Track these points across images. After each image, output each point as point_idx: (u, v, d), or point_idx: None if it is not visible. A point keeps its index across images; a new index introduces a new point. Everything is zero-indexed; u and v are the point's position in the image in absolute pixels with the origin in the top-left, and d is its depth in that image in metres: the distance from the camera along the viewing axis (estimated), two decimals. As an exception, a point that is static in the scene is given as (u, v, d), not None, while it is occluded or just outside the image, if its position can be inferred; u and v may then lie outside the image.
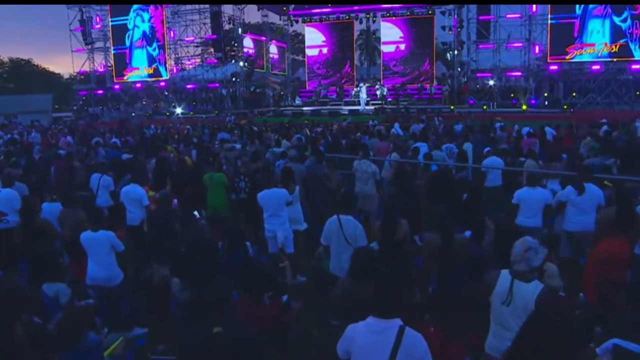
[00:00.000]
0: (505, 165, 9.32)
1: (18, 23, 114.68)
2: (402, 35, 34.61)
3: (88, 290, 4.86)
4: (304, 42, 38.33)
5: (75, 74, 40.95)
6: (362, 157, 8.61)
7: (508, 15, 26.98)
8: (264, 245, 6.75)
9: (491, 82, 27.50)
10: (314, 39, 36.98)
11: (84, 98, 38.64)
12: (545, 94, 26.47)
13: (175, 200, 6.58)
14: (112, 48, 36.64)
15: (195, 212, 6.87)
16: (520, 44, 27.13)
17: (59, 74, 69.24)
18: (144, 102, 37.57)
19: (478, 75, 28.92)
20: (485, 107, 25.57)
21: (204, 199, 8.02)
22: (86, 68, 38.28)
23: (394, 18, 34.38)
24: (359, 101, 29.74)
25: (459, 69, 29.50)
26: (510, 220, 5.76)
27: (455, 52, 29.63)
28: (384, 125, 18.56)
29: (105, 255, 5.13)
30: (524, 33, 27.15)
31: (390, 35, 34.93)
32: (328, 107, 30.90)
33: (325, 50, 36.80)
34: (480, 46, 28.06)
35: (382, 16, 34.78)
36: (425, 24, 33.76)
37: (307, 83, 37.43)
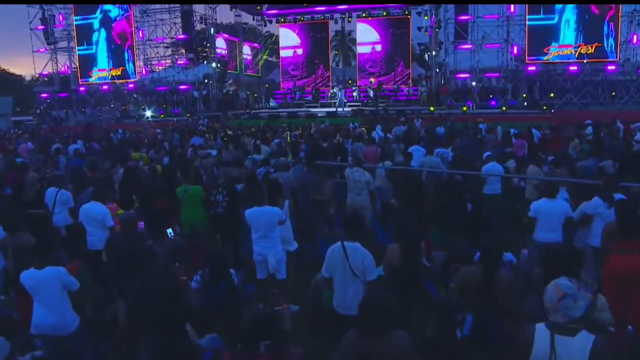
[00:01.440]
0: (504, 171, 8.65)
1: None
2: (378, 36, 34.11)
3: (35, 340, 3.92)
4: (278, 43, 37.46)
5: (37, 75, 39.15)
6: (353, 164, 7.82)
7: (486, 16, 26.70)
8: (246, 268, 5.90)
9: (474, 84, 27.15)
10: (289, 40, 36.16)
11: (48, 101, 36.83)
12: (524, 95, 26.26)
13: (142, 224, 5.50)
14: (77, 48, 35.03)
15: (170, 230, 5.93)
16: (498, 45, 26.88)
17: (20, 75, 66.40)
18: (112, 105, 36.07)
19: (457, 76, 28.58)
20: (465, 108, 25.21)
21: (178, 213, 7.11)
22: (49, 69, 36.52)
23: (369, 19, 33.88)
24: (336, 103, 29.05)
25: (437, 70, 29.08)
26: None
27: (434, 53, 29.20)
28: (364, 128, 17.92)
29: (56, 297, 4.06)
30: (501, 34, 26.91)
31: (366, 36, 34.41)
32: (305, 109, 30.12)
33: (300, 51, 36.02)
34: (459, 47, 27.69)
35: (358, 17, 34.23)
36: (401, 25, 33.35)
37: (281, 85, 36.55)
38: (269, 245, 5.54)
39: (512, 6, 26.07)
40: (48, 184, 7.51)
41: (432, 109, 25.65)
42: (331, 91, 31.82)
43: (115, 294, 4.39)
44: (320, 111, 28.10)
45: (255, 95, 36.46)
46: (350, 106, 29.57)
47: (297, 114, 27.36)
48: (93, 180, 7.91)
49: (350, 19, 34.79)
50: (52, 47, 35.57)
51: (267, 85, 38.66)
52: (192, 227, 6.22)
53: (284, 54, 36.62)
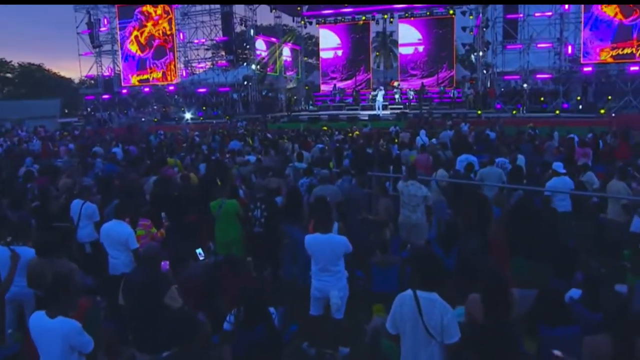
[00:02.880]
0: (575, 186, 7.52)
1: (29, 28, 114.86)
2: (420, 36, 33.08)
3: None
4: (317, 45, 36.90)
5: (83, 78, 39.97)
6: (408, 176, 6.92)
7: (537, 14, 25.24)
8: (287, 297, 5.18)
9: (525, 85, 25.75)
10: (329, 41, 35.54)
11: (94, 103, 37.54)
12: (578, 98, 24.67)
13: (167, 263, 4.69)
14: (120, 51, 35.49)
15: (199, 251, 5.35)
16: (550, 44, 25.39)
17: (69, 78, 68.40)
18: (154, 107, 36.39)
19: (505, 77, 27.22)
20: (514, 111, 23.86)
21: (211, 229, 6.45)
22: (94, 72, 37.24)
23: (412, 19, 32.89)
24: (375, 106, 28.23)
25: (484, 72, 27.78)
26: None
27: (480, 53, 27.93)
28: (408, 132, 16.97)
29: (60, 358, 3.27)
30: (553, 33, 25.42)
31: (408, 36, 33.42)
32: (344, 111, 29.41)
33: (340, 52, 35.36)
34: (508, 47, 26.34)
35: (400, 17, 33.27)
36: (444, 25, 32.22)
37: (321, 87, 35.95)
38: (331, 280, 4.70)
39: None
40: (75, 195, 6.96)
41: (479, 112, 24.44)
42: (372, 93, 31.05)
43: (130, 343, 3.77)
44: (362, 114, 27.30)
45: (295, 97, 36.00)
46: (391, 109, 28.72)
47: (337, 116, 26.63)
48: (120, 192, 7.35)
49: (392, 19, 33.87)
50: (97, 50, 36.16)
51: (306, 87, 38.18)
52: (228, 256, 5.43)
53: (323, 55, 36.03)
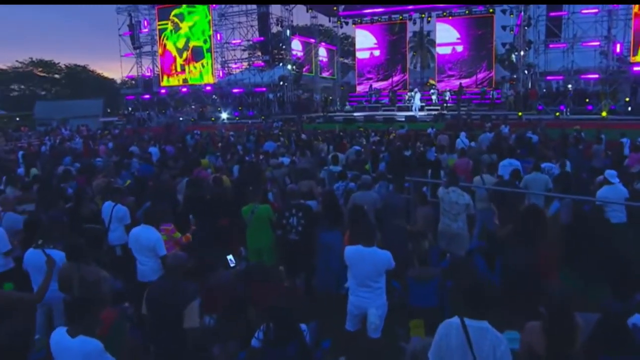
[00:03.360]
0: (631, 195, 6.94)
1: (76, 31, 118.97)
2: (458, 36, 32.35)
3: None
4: (353, 45, 36.63)
5: (124, 78, 40.96)
6: (449, 182, 6.53)
7: (583, 11, 24.21)
8: (319, 309, 4.93)
9: (569, 86, 24.76)
10: (365, 41, 35.21)
11: (134, 103, 38.42)
12: (627, 99, 23.52)
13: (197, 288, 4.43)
14: (159, 52, 36.18)
15: (230, 257, 5.17)
16: (596, 43, 24.30)
17: (112, 79, 70.33)
18: (192, 107, 36.95)
19: (547, 78, 26.26)
20: (558, 113, 22.96)
21: (243, 234, 6.25)
22: (134, 72, 38.11)
23: (450, 18, 32.20)
24: (412, 107, 27.76)
25: (525, 72, 26.88)
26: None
27: (521, 52, 27.05)
28: (446, 135, 16.49)
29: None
30: (600, 30, 24.33)
31: (446, 36, 32.75)
32: (380, 112, 29.04)
33: (376, 52, 34.97)
34: (551, 46, 25.39)
35: (438, 16, 32.64)
36: (484, 24, 31.39)
37: (357, 87, 35.65)
38: (370, 297, 4.36)
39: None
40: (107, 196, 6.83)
41: (519, 113, 23.63)
42: (408, 94, 30.57)
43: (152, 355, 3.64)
44: (398, 115, 26.88)
45: (330, 97, 35.84)
46: (428, 110, 28.19)
47: (373, 117, 26.27)
48: (152, 194, 7.21)
49: (429, 19, 33.27)
50: (137, 51, 36.95)
51: (342, 88, 37.96)
52: (257, 263, 5.19)
53: (359, 55, 35.72)
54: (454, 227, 6.27)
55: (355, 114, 29.61)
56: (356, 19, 34.74)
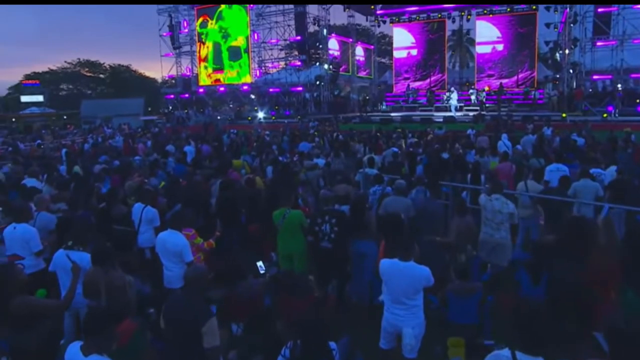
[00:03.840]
0: None
1: (120, 32, 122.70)
2: (499, 34, 31.44)
3: None
4: (391, 44, 36.19)
5: (164, 78, 41.84)
6: (491, 189, 6.14)
7: (636, 7, 23.03)
8: (352, 322, 4.69)
9: (619, 86, 23.68)
10: (402, 40, 34.69)
11: (174, 101, 39.19)
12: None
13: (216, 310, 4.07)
14: (198, 52, 36.74)
15: (260, 264, 4.99)
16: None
17: (153, 78, 72.05)
18: (230, 105, 37.39)
19: (594, 77, 25.19)
20: (605, 115, 21.98)
21: (274, 238, 6.05)
22: (174, 72, 38.84)
23: (490, 16, 31.32)
24: (449, 107, 27.18)
25: (570, 71, 25.86)
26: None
27: (566, 51, 26.04)
28: (486, 136, 15.97)
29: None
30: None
31: (486, 34, 31.87)
32: (418, 112, 28.56)
33: (414, 52, 34.41)
34: (598, 43, 24.32)
35: (478, 14, 31.81)
36: (526, 22, 30.39)
37: (394, 87, 35.20)
38: (406, 315, 4.09)
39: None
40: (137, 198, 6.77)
41: (563, 114, 22.75)
42: (446, 94, 29.97)
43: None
44: (436, 115, 26.36)
45: (367, 97, 35.55)
46: (466, 110, 27.54)
47: (411, 117, 25.84)
48: (183, 196, 7.04)
49: (469, 17, 32.49)
50: (177, 51, 37.64)
51: (379, 87, 37.59)
52: (289, 272, 4.97)
53: (397, 54, 35.24)
54: (497, 236, 5.91)
55: (392, 114, 29.25)
56: (394, 18, 34.29)
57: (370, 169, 8.87)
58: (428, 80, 33.33)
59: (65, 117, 48.39)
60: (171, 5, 36.18)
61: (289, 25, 32.64)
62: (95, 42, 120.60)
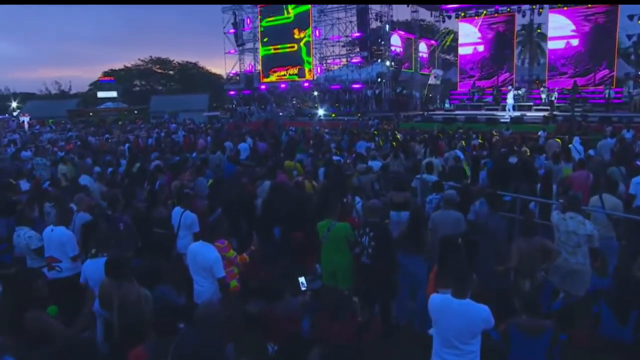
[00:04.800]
0: None
1: (191, 29, 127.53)
2: (574, 28, 29.37)
3: None
4: (456, 40, 34.88)
5: (228, 74, 42.66)
6: (567, 206, 5.27)
7: None
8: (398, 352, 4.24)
9: None
10: (468, 35, 33.27)
11: (237, 97, 39.90)
12: None
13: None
14: (260, 49, 37.11)
15: (303, 280, 4.51)
16: None
17: (219, 75, 73.84)
18: (293, 102, 37.54)
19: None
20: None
21: (319, 249, 5.58)
22: (237, 69, 39.54)
23: (565, 8, 29.26)
24: (506, 107, 25.64)
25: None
26: None
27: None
28: (557, 139, 14.77)
29: None
30: None
31: (559, 29, 29.81)
32: (483, 112, 27.28)
33: (480, 48, 32.92)
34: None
35: (551, 7, 29.84)
36: (606, 14, 28.16)
37: (458, 85, 33.89)
38: None
39: None
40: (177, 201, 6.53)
41: (646, 115, 20.91)
42: (515, 92, 28.43)
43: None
44: (502, 115, 25.02)
45: (430, 95, 34.50)
46: (536, 109, 25.98)
47: (475, 117, 24.65)
48: (224, 200, 6.65)
49: (540, 10, 30.58)
50: (240, 48, 38.21)
51: (442, 85, 36.39)
52: (326, 294, 4.49)
53: (462, 51, 33.85)
54: (572, 261, 5.06)
55: (455, 113, 28.13)
56: (459, 12, 32.95)
57: (428, 175, 8.27)
58: (495, 78, 31.79)
59: (136, 112, 50.51)
60: (235, 5, 36.76)
61: (350, 22, 32.23)
62: (166, 41, 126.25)
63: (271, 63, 36.47)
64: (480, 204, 6.26)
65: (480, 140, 15.12)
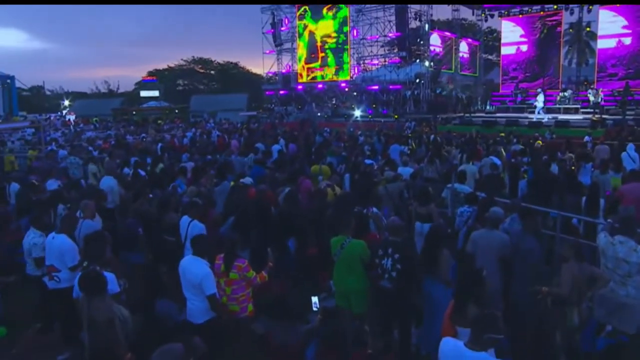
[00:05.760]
0: None
1: (232, 29, 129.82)
2: (627, 24, 27.71)
3: None
4: (499, 40, 33.64)
5: (266, 74, 42.73)
6: (621, 228, 4.51)
7: None
8: None
9: None
10: (512, 34, 32.03)
11: (275, 97, 39.89)
12: None
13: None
14: (297, 49, 36.94)
15: (315, 300, 4.17)
16: None
17: (260, 75, 74.18)
18: (334, 102, 37.23)
19: None
20: None
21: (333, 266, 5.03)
22: (274, 69, 39.49)
23: (617, 5, 27.63)
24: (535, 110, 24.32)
25: None
26: None
27: None
28: (606, 145, 13.74)
29: None
30: None
31: (611, 26, 28.21)
32: (526, 115, 26.08)
33: (524, 47, 31.60)
34: None
35: (602, 3, 28.25)
36: (664, 9, 26.46)
37: (500, 86, 32.63)
38: None
39: None
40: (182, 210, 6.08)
41: None
42: (560, 94, 27.10)
43: None
44: (546, 118, 23.79)
45: (470, 96, 33.39)
46: (583, 112, 24.63)
47: (517, 120, 23.50)
48: (237, 208, 6.20)
49: (590, 7, 29.01)
50: (278, 48, 38.17)
51: (484, 86, 35.21)
52: (330, 324, 3.77)
53: (505, 51, 32.61)
54: (622, 293, 4.33)
55: (496, 115, 27.02)
56: (503, 11, 31.72)
57: (460, 185, 7.58)
58: (541, 80, 30.35)
59: (176, 110, 51.36)
60: (274, 5, 36.73)
61: (389, 21, 31.54)
62: (209, 41, 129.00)
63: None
64: (511, 220, 5.58)
65: (521, 146, 14.14)
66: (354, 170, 9.29)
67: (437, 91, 32.60)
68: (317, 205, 6.27)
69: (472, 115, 27.94)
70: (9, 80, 39.04)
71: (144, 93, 56.95)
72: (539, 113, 24.05)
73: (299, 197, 6.56)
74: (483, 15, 33.30)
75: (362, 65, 35.06)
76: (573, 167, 10.37)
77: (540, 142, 15.44)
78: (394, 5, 30.54)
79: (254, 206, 6.10)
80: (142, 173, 10.37)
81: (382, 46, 36.30)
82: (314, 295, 4.22)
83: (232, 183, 7.75)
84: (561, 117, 23.63)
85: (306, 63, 36.23)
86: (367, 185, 7.37)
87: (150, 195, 7.23)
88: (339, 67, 34.37)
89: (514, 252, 4.83)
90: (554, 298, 4.15)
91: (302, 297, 4.23)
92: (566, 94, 26.64)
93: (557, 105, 26.43)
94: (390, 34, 32.10)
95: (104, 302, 3.78)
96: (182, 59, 71.43)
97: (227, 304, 4.60)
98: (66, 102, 51.37)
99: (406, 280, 4.52)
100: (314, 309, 4.15)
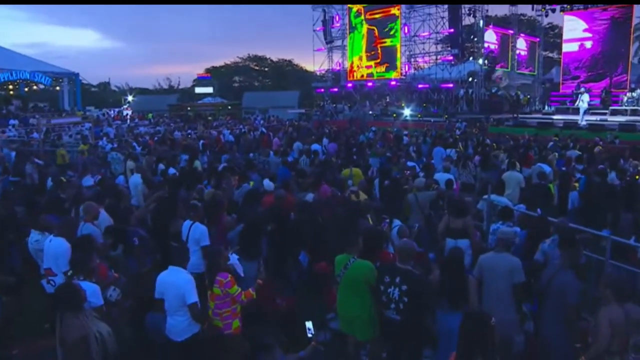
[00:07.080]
0: None
1: (285, 27, 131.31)
2: None
3: None
4: (560, 36, 31.55)
5: (319, 72, 42.38)
6: None
7: None
8: None
9: None
10: (575, 30, 29.87)
11: (328, 94, 39.64)
12: None
13: None
14: (348, 46, 36.40)
15: (310, 325, 3.70)
16: None
17: (312, 72, 74.00)
18: (386, 100, 36.54)
19: None
20: None
21: None
22: (325, 66, 39.15)
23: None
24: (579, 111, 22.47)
25: None
26: None
27: None
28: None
29: None
30: None
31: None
32: (587, 117, 24.29)
33: (588, 44, 29.40)
34: None
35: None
36: None
37: (560, 86, 30.65)
38: None
39: None
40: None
41: None
42: (628, 94, 25.05)
43: None
44: (610, 121, 21.99)
45: (529, 97, 31.59)
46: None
47: (577, 123, 21.86)
48: (246, 215, 5.83)
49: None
50: (329, 45, 37.80)
51: (544, 86, 33.27)
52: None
53: (566, 48, 30.51)
54: None
55: (553, 117, 25.34)
56: (565, 5, 29.70)
57: (497, 196, 6.80)
58: (607, 79, 28.13)
59: (229, 107, 51.96)
60: (325, 4, 36.39)
61: (442, 18, 30.34)
62: (262, 38, 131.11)
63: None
64: (552, 242, 4.74)
65: (578, 152, 12.79)
66: (383, 175, 8.58)
67: (493, 90, 31.09)
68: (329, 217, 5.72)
69: (526, 116, 26.33)
70: (73, 77, 40.93)
71: (198, 89, 58.22)
72: (582, 115, 22.31)
73: (313, 206, 6.05)
74: (543, 10, 31.43)
75: (413, 63, 34.03)
76: (637, 177, 9.23)
77: (600, 146, 14.04)
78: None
79: (268, 213, 5.69)
80: (172, 171, 10.20)
81: (434, 43, 35.16)
82: (308, 321, 3.74)
83: (251, 184, 7.40)
84: (627, 118, 21.74)
85: (367, 60, 35.38)
86: (394, 193, 6.73)
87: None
88: (390, 64, 33.49)
89: (545, 287, 4.06)
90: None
91: (310, 316, 3.78)
92: (634, 94, 24.62)
93: (624, 107, 24.46)
94: (442, 31, 30.91)
95: (77, 319, 3.48)
96: (237, 57, 72.79)
97: (212, 318, 4.28)
98: (130, 98, 53.04)
99: (416, 314, 3.98)
100: (309, 335, 3.68)
